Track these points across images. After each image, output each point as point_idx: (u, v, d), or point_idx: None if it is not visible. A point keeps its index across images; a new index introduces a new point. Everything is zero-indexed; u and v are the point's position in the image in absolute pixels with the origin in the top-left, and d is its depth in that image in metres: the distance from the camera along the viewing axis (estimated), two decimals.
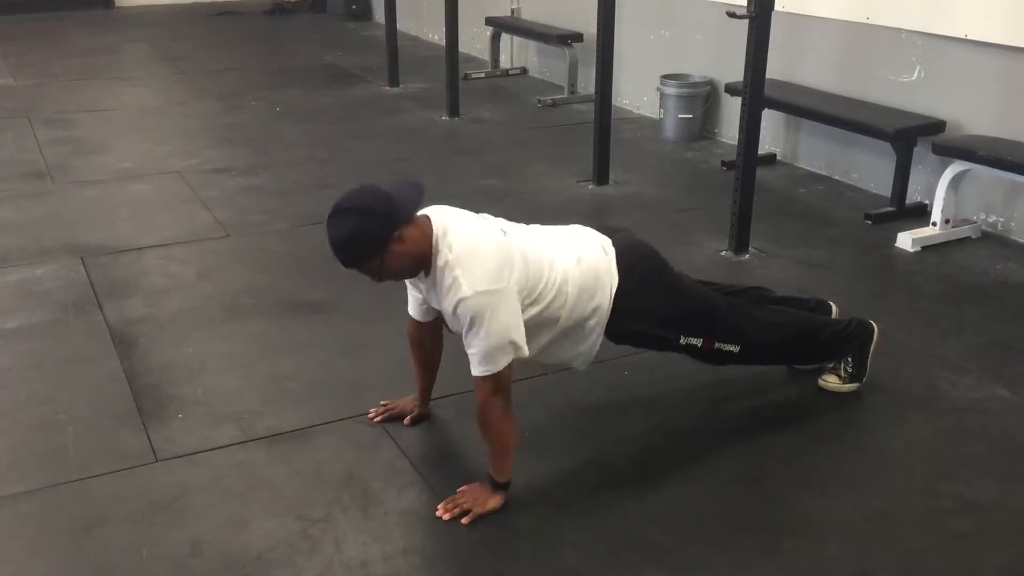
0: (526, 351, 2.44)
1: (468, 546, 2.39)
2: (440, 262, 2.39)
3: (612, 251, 2.65)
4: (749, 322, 2.85)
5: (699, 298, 2.80)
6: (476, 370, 2.41)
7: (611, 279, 2.61)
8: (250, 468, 2.70)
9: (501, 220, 2.61)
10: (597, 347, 2.68)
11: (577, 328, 2.61)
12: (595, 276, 2.59)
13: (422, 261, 2.43)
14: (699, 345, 2.77)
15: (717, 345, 2.79)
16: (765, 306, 2.99)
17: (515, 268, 2.43)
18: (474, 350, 2.40)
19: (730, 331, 2.81)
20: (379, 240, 2.35)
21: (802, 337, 2.98)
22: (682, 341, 2.75)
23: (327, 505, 2.54)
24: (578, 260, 2.58)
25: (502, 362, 2.39)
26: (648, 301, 2.68)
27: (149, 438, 2.83)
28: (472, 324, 2.36)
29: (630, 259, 2.66)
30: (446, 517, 2.47)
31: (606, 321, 2.62)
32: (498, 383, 2.41)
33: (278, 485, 2.62)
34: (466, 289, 2.34)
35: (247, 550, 2.37)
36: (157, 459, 2.74)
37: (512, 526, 2.46)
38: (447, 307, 2.40)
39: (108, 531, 2.44)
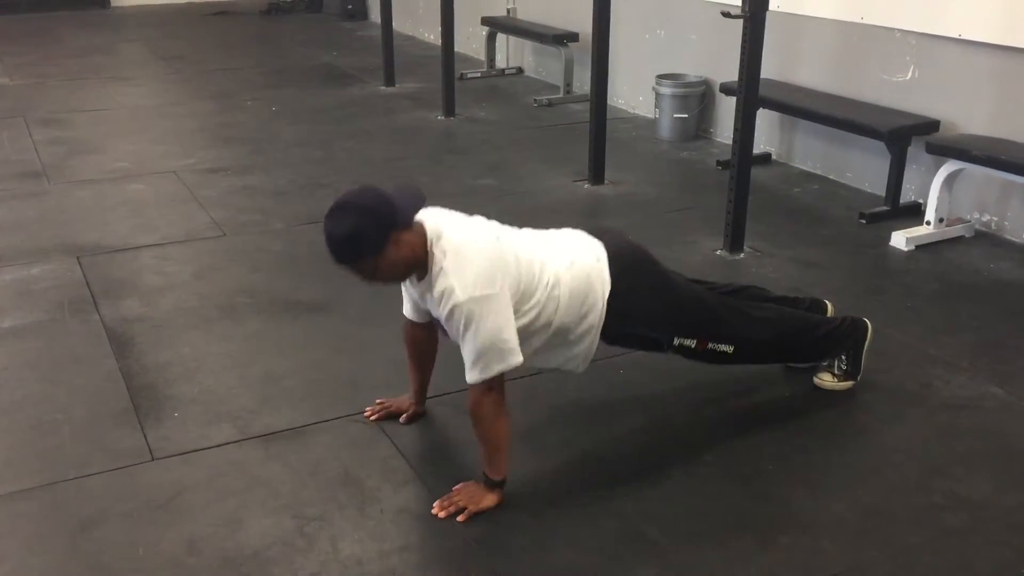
0: (519, 356, 2.43)
1: (464, 544, 2.40)
2: (435, 268, 2.39)
3: (604, 256, 2.65)
4: (743, 321, 2.86)
5: (692, 299, 2.81)
6: (469, 375, 2.42)
7: (603, 285, 2.61)
8: (246, 467, 2.71)
9: (494, 223, 2.61)
10: (593, 350, 2.68)
11: (569, 332, 2.61)
12: (587, 281, 2.59)
13: (415, 266, 2.44)
14: (693, 346, 2.78)
15: (711, 346, 2.80)
16: (760, 304, 3.00)
17: (508, 272, 2.44)
18: (467, 353, 2.41)
19: (724, 331, 2.82)
20: (376, 241, 2.35)
21: (797, 335, 2.99)
22: (675, 342, 2.76)
23: (323, 503, 2.55)
24: (570, 264, 2.58)
25: (495, 367, 2.39)
26: (641, 304, 2.68)
27: (145, 437, 2.84)
28: (466, 328, 2.37)
29: (622, 263, 2.66)
30: (442, 515, 2.47)
31: (600, 325, 2.62)
32: (490, 382, 2.42)
33: (274, 483, 2.63)
34: (459, 294, 2.35)
35: (243, 548, 2.38)
36: (153, 458, 2.75)
37: (508, 523, 2.46)
38: (442, 313, 2.41)
39: (105, 529, 2.45)
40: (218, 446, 2.80)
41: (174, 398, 3.05)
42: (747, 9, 3.88)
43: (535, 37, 7.48)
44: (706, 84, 6.01)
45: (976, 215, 4.52)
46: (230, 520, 2.48)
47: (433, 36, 8.54)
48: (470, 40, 8.32)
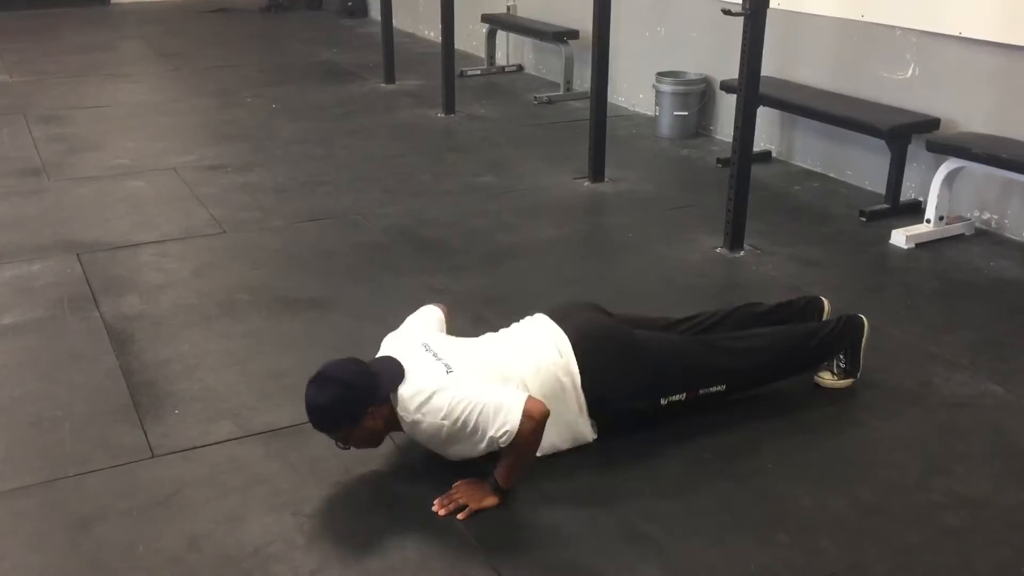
0: (523, 392, 2.48)
1: (464, 542, 2.40)
2: (408, 424, 2.51)
3: (567, 347, 2.67)
4: (727, 357, 2.86)
5: (669, 356, 2.80)
6: (507, 439, 2.41)
7: (572, 378, 2.65)
8: (246, 464, 2.71)
9: (451, 345, 2.68)
10: (590, 430, 2.72)
11: (559, 439, 2.65)
12: (555, 380, 2.63)
13: (389, 431, 2.60)
14: (683, 399, 2.80)
15: (702, 392, 2.82)
16: (745, 334, 2.98)
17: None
18: (492, 432, 2.41)
19: (710, 375, 2.83)
20: (353, 414, 2.49)
21: (789, 354, 2.99)
22: (664, 403, 2.78)
23: (323, 500, 2.55)
24: (536, 370, 2.62)
25: (516, 407, 2.40)
26: (617, 382, 2.71)
27: (145, 434, 2.84)
28: (466, 419, 2.42)
29: (587, 346, 2.68)
30: (442, 513, 2.48)
31: (585, 412, 2.67)
32: (533, 416, 2.41)
33: (275, 481, 2.63)
34: (438, 406, 2.43)
35: (244, 545, 2.38)
36: (153, 455, 2.75)
37: (508, 521, 2.47)
38: (445, 433, 2.47)
39: (105, 527, 2.45)
40: (218, 443, 2.80)
41: (174, 395, 3.05)
42: (747, 6, 3.88)
43: (535, 34, 7.47)
44: (706, 82, 6.01)
45: (976, 213, 4.52)
46: (230, 517, 2.48)
47: (433, 33, 8.54)
48: (470, 37, 8.31)
